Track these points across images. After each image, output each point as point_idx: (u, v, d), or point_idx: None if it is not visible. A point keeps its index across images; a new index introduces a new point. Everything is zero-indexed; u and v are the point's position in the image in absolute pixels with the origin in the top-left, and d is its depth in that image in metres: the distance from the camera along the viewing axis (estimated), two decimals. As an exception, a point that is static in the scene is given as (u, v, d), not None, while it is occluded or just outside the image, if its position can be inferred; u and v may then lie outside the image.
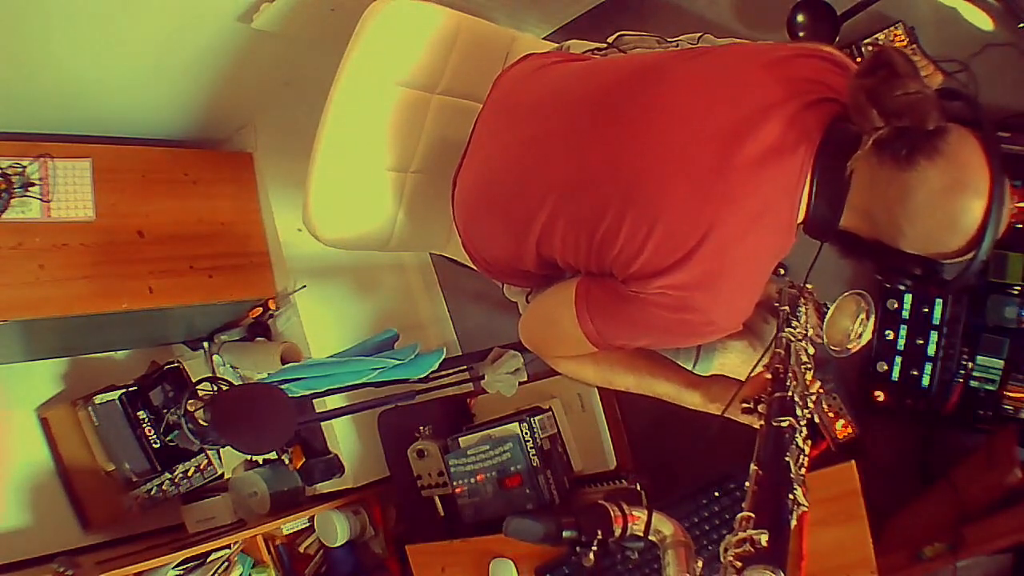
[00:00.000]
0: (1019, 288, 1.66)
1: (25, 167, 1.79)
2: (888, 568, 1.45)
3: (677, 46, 1.37)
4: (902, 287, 1.00)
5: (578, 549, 0.97)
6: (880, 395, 1.78)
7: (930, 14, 1.76)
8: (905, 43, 1.75)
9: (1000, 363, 1.67)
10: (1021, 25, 1.66)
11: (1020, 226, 1.66)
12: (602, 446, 1.82)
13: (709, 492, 1.49)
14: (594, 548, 0.96)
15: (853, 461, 1.40)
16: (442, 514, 1.95)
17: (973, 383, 1.70)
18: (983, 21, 1.72)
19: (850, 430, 1.78)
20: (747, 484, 0.83)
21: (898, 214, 0.93)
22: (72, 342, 2.17)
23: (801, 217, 1.00)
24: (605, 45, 1.40)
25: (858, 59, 1.78)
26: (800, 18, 1.80)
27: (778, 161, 0.97)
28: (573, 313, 1.11)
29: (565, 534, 0.96)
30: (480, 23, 1.53)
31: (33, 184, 1.80)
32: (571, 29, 2.16)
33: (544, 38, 2.08)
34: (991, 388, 1.69)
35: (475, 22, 1.52)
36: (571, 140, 1.09)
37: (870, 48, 1.77)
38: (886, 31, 1.76)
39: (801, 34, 1.81)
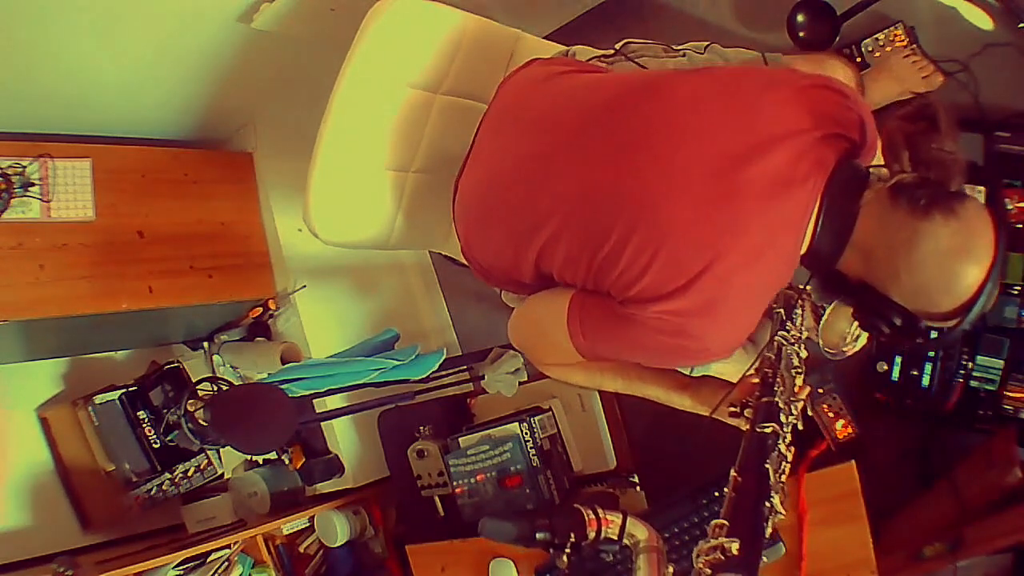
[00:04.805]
0: (1019, 288, 1.66)
1: (25, 167, 1.79)
2: (888, 568, 1.45)
3: (684, 55, 1.36)
4: (877, 333, 1.00)
5: (551, 551, 0.97)
6: (880, 395, 1.78)
7: (930, 14, 1.76)
8: (905, 43, 1.75)
9: (1000, 363, 1.67)
10: (1021, 25, 1.66)
11: (1020, 226, 1.66)
12: (602, 446, 1.82)
13: (709, 492, 1.49)
14: (567, 551, 0.97)
15: (853, 461, 1.40)
16: (442, 514, 1.95)
17: (973, 383, 1.69)
18: (983, 21, 1.72)
19: (850, 430, 1.78)
20: (726, 489, 0.83)
21: (899, 260, 0.93)
22: (72, 342, 2.17)
23: (804, 249, 1.01)
24: (612, 52, 1.39)
25: (858, 59, 1.78)
26: (800, 18, 1.80)
27: (787, 192, 0.97)
28: (565, 326, 1.12)
29: (539, 536, 0.97)
30: (484, 23, 1.53)
31: (33, 184, 1.80)
32: (571, 29, 2.16)
33: (545, 37, 2.07)
34: (991, 388, 1.69)
35: (479, 21, 1.52)
36: (579, 158, 1.08)
37: (870, 49, 1.77)
38: (886, 31, 1.76)
39: (801, 34, 1.81)
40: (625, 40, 1.41)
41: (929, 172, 0.90)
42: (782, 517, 0.81)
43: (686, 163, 0.99)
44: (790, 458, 0.90)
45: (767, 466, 0.83)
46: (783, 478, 0.86)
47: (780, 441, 0.90)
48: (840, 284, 1.01)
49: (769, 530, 0.79)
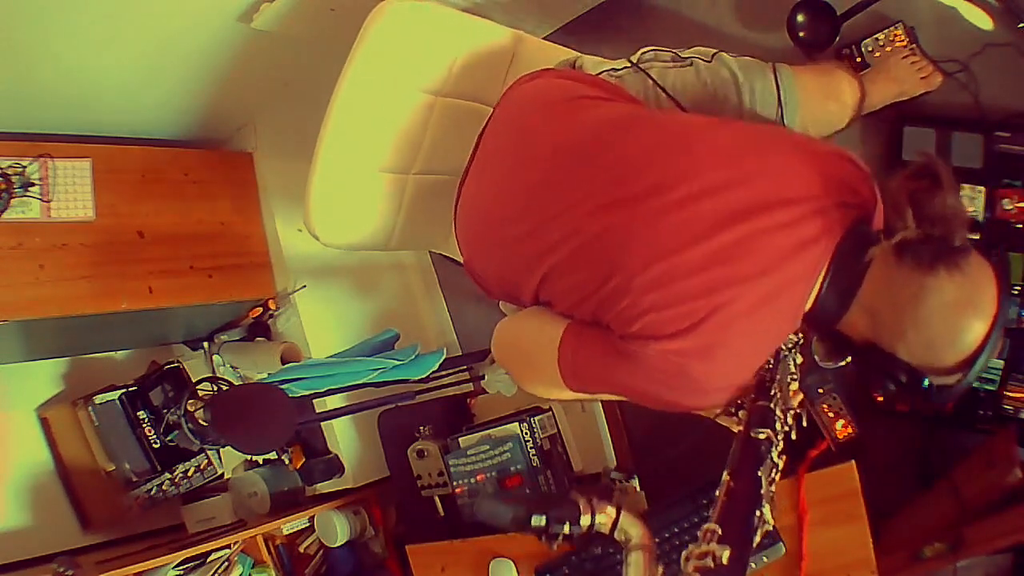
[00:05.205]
0: (1019, 288, 1.66)
1: (25, 167, 1.79)
2: (888, 568, 1.45)
3: (691, 63, 1.35)
4: (884, 392, 1.01)
5: (543, 539, 0.97)
6: (880, 395, 1.78)
7: (930, 14, 1.76)
8: (905, 43, 1.75)
9: (1000, 363, 1.67)
10: (1021, 25, 1.66)
11: (1020, 226, 1.67)
12: (602, 446, 1.82)
13: (709, 493, 1.48)
14: (559, 540, 0.97)
15: (853, 461, 1.40)
16: (442, 514, 1.95)
17: (973, 383, 1.69)
18: (983, 21, 1.72)
19: (850, 430, 1.78)
20: (717, 492, 0.83)
21: (906, 317, 0.94)
22: (72, 342, 2.17)
23: (808, 307, 1.01)
24: (621, 66, 1.37)
25: (858, 58, 1.78)
26: (800, 18, 1.80)
27: (799, 249, 0.98)
28: (554, 358, 1.13)
29: (533, 521, 0.97)
30: (486, 24, 1.53)
31: (33, 184, 1.80)
32: (571, 29, 2.16)
33: (545, 38, 2.07)
34: (991, 388, 1.69)
35: (481, 23, 1.52)
36: (595, 196, 1.08)
37: (870, 49, 1.77)
38: (886, 31, 1.76)
39: (801, 34, 1.81)
40: (641, 50, 1.40)
41: (933, 228, 0.91)
42: (769, 528, 0.82)
43: (703, 212, 1.00)
44: (781, 467, 0.90)
45: (760, 474, 0.84)
46: (773, 488, 0.86)
47: (773, 449, 0.90)
48: (844, 344, 1.02)
49: (757, 540, 0.80)
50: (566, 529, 0.98)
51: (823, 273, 0.99)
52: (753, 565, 0.83)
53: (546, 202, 1.13)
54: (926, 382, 0.97)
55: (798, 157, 1.04)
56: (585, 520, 0.99)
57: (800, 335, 1.12)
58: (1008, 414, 1.68)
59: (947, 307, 0.92)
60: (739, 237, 0.98)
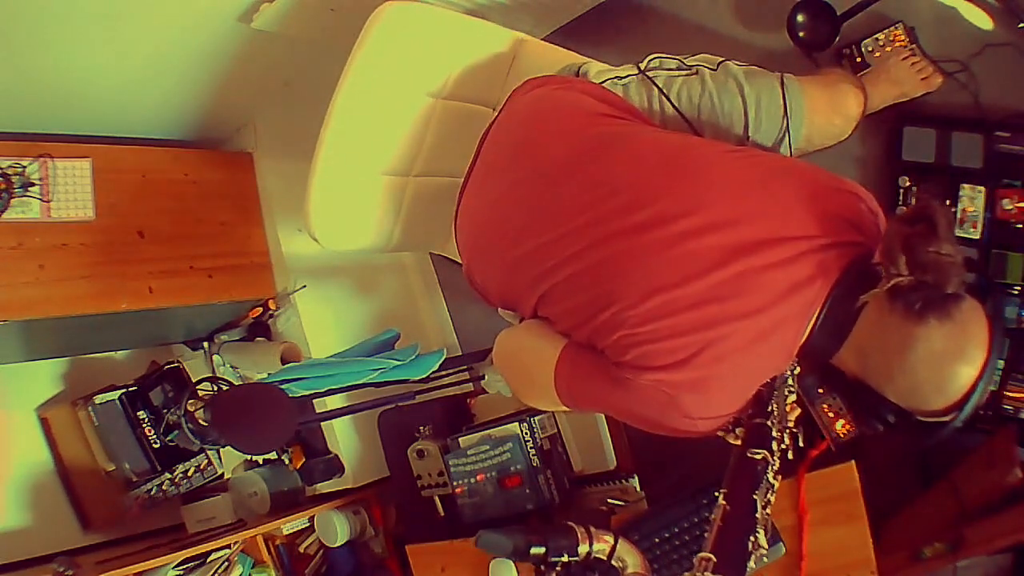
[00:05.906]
0: (1019, 288, 1.66)
1: (25, 167, 1.79)
2: (888, 568, 1.45)
3: (696, 72, 1.34)
4: (871, 430, 1.01)
5: (542, 567, 0.99)
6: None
7: (930, 14, 1.76)
8: (905, 43, 1.75)
9: (1000, 363, 1.67)
10: (1021, 25, 1.66)
11: (1020, 226, 1.66)
12: (602, 446, 1.82)
13: (709, 493, 1.49)
14: (558, 568, 0.99)
15: (853, 461, 1.40)
16: (442, 514, 1.95)
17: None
18: (983, 21, 1.72)
19: (850, 429, 1.78)
20: (712, 516, 0.83)
21: (893, 362, 0.94)
22: (72, 342, 2.17)
23: (802, 342, 1.01)
24: (626, 73, 1.36)
25: (858, 58, 1.78)
26: (800, 18, 1.80)
27: (794, 288, 0.98)
28: (551, 376, 1.13)
29: (533, 550, 0.99)
30: (487, 26, 1.53)
31: (33, 184, 1.80)
32: (571, 29, 2.16)
33: (544, 38, 2.07)
34: (991, 388, 1.68)
35: (481, 25, 1.52)
36: (598, 224, 1.08)
37: (870, 49, 1.77)
38: (886, 31, 1.76)
39: (801, 34, 1.81)
40: (649, 57, 1.38)
41: (926, 276, 0.90)
42: (763, 552, 0.82)
43: (704, 248, 1.00)
44: (777, 487, 0.91)
45: (755, 497, 0.84)
46: (768, 511, 0.87)
47: (769, 469, 0.90)
48: (835, 378, 1.03)
49: (751, 564, 0.80)
50: (564, 558, 1.00)
51: (817, 312, 0.99)
52: (753, 565, 0.83)
53: (547, 224, 1.12)
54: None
55: (802, 193, 1.03)
56: (583, 548, 1.00)
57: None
58: (1008, 414, 1.68)
59: (935, 356, 0.92)
60: (735, 274, 0.98)
